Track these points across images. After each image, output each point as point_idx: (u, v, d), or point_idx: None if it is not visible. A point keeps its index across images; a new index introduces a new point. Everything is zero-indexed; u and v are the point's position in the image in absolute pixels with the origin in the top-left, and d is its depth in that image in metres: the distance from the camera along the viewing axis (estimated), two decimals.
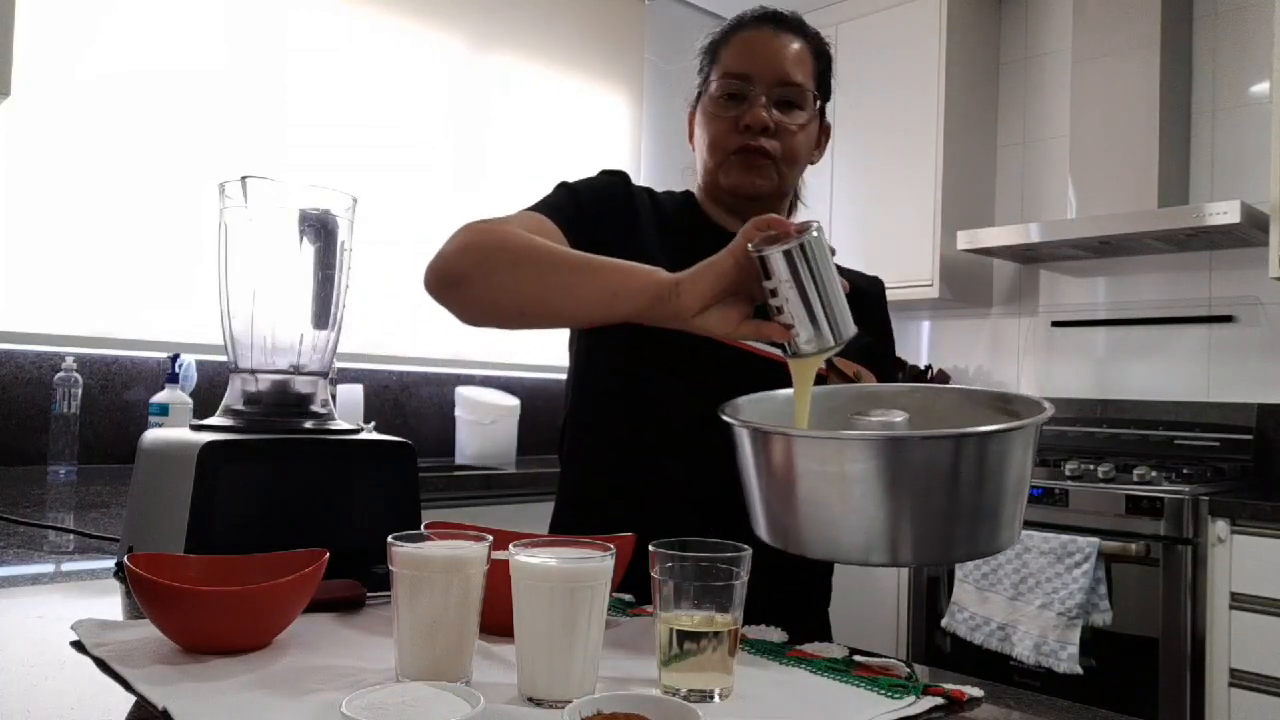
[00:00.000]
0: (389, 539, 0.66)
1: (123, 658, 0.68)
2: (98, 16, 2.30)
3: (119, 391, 2.33)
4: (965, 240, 3.01)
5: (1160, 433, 2.86)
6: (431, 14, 2.94)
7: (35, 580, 0.98)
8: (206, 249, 2.26)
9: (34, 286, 2.22)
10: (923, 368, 3.45)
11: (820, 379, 0.90)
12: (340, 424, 1.00)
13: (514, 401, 2.77)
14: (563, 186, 1.15)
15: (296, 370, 0.99)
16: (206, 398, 2.25)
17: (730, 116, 1.13)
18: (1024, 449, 0.78)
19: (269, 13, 2.59)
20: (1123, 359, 3.05)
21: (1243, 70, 2.84)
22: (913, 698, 0.67)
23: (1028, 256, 3.13)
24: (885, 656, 0.78)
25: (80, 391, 2.06)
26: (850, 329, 0.85)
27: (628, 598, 0.94)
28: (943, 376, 3.39)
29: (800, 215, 1.23)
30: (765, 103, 1.11)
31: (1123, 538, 2.31)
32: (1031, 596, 2.35)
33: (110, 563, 1.06)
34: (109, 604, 0.88)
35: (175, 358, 2.13)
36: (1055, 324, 3.20)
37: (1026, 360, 3.29)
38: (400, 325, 2.77)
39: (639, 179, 1.24)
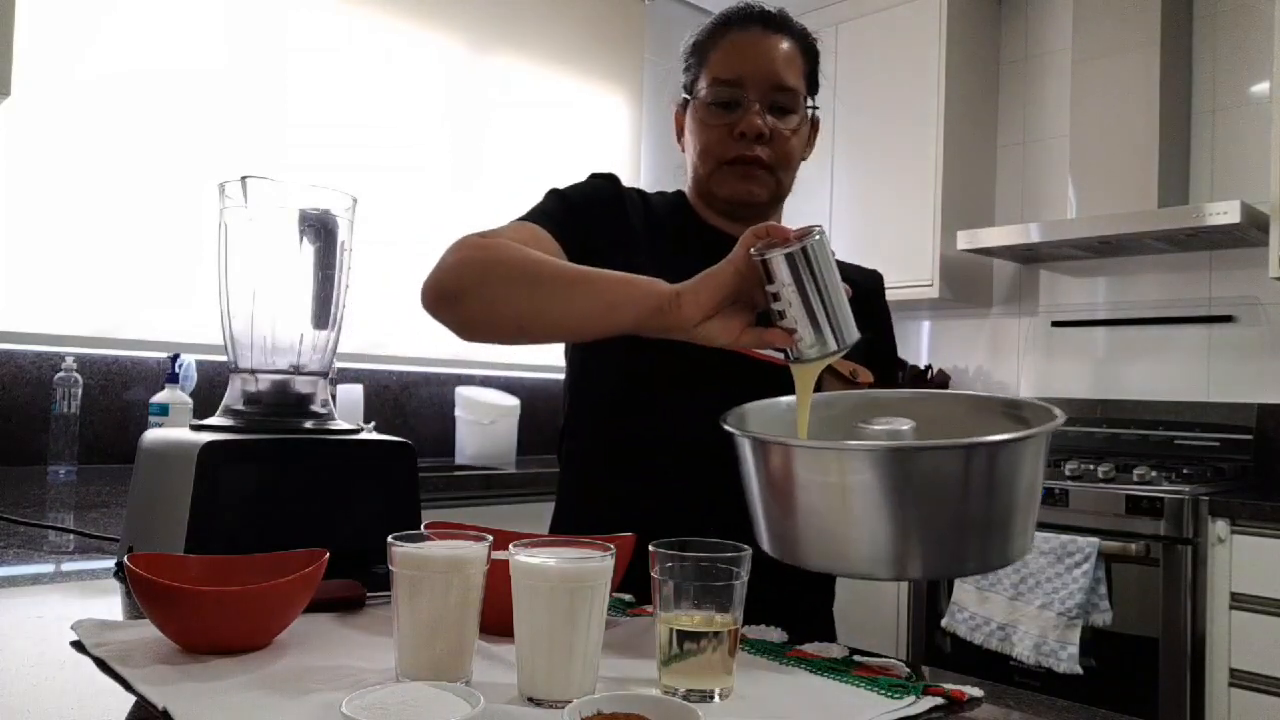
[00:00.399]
0: (389, 539, 0.66)
1: (123, 658, 0.68)
2: (98, 16, 2.30)
3: (119, 391, 2.33)
4: (965, 240, 3.01)
5: (1160, 433, 2.86)
6: (431, 14, 2.94)
7: (35, 580, 0.98)
8: (206, 249, 2.26)
9: (34, 286, 2.22)
10: (922, 368, 3.44)
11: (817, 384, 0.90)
12: (340, 424, 1.00)
13: (514, 401, 2.77)
14: (553, 193, 1.15)
15: (296, 370, 0.99)
16: (206, 398, 2.25)
17: (723, 124, 1.12)
18: (1035, 458, 0.76)
19: (269, 13, 2.59)
20: (1123, 359, 3.05)
21: (1243, 70, 2.84)
22: (913, 698, 0.67)
23: (1028, 256, 3.13)
24: (885, 656, 0.78)
25: (80, 391, 2.06)
26: (854, 333, 0.84)
27: (628, 598, 0.94)
28: (943, 376, 3.39)
29: (797, 214, 1.23)
30: (759, 109, 1.10)
31: (1123, 538, 2.31)
32: (1031, 596, 2.35)
33: (110, 563, 1.06)
34: (109, 604, 0.88)
35: (175, 358, 2.13)
36: (1055, 324, 3.20)
37: (1026, 360, 3.29)
38: (400, 325, 2.77)
39: (638, 180, 1.24)
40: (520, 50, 3.16)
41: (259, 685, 0.64)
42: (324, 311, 1.00)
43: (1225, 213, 2.48)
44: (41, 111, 2.21)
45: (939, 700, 0.68)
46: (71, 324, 2.26)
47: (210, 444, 0.89)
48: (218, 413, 0.98)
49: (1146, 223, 2.65)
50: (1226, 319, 2.83)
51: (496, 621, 0.70)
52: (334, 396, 1.90)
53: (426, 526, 0.78)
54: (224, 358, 1.01)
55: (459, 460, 2.71)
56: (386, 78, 2.83)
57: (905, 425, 0.84)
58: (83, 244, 2.27)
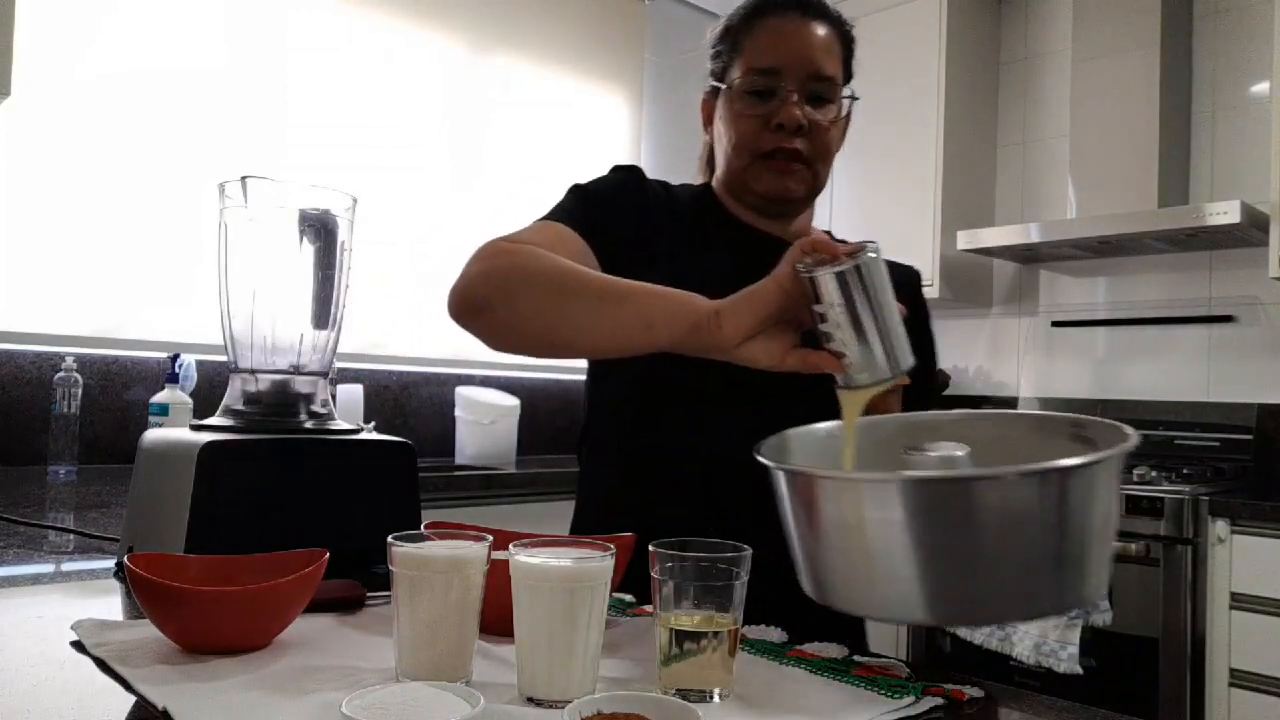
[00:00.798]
0: (389, 539, 0.66)
1: (123, 658, 0.68)
2: (98, 16, 2.30)
3: (119, 391, 2.33)
4: (965, 240, 3.01)
5: (1160, 433, 2.86)
6: (431, 14, 2.94)
7: (35, 580, 0.98)
8: (206, 249, 2.26)
9: (34, 286, 2.22)
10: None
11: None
12: (340, 424, 1.00)
13: (514, 401, 2.77)
14: (575, 189, 1.11)
15: (296, 370, 0.99)
16: (206, 398, 2.25)
17: (759, 115, 1.07)
18: (1109, 483, 0.68)
19: (269, 13, 2.59)
20: (1123, 359, 3.04)
21: (1243, 70, 2.83)
22: (913, 698, 0.67)
23: (1028, 256, 3.12)
24: (885, 656, 0.78)
25: (80, 391, 2.06)
26: (909, 359, 0.77)
27: (628, 598, 0.94)
28: (944, 377, 3.39)
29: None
30: (797, 100, 1.06)
31: (1123, 537, 2.30)
32: None
33: (110, 563, 1.06)
34: (109, 604, 0.88)
35: (175, 358, 2.13)
36: (1055, 324, 3.20)
37: (1026, 360, 3.29)
38: (400, 325, 2.77)
39: None
40: (520, 50, 3.16)
41: (259, 685, 0.64)
42: (324, 311, 1.00)
43: (1225, 213, 2.48)
44: (41, 111, 2.21)
45: (939, 700, 0.68)
46: (71, 324, 2.27)
47: (210, 444, 0.89)
48: (218, 413, 0.98)
49: (1146, 223, 2.65)
50: (1226, 319, 2.83)
51: (496, 621, 0.70)
52: (334, 396, 1.90)
53: (426, 526, 0.78)
54: (224, 358, 1.01)
55: (459, 460, 2.71)
56: (386, 78, 2.83)
57: (960, 451, 0.78)
58: (83, 244, 2.27)
